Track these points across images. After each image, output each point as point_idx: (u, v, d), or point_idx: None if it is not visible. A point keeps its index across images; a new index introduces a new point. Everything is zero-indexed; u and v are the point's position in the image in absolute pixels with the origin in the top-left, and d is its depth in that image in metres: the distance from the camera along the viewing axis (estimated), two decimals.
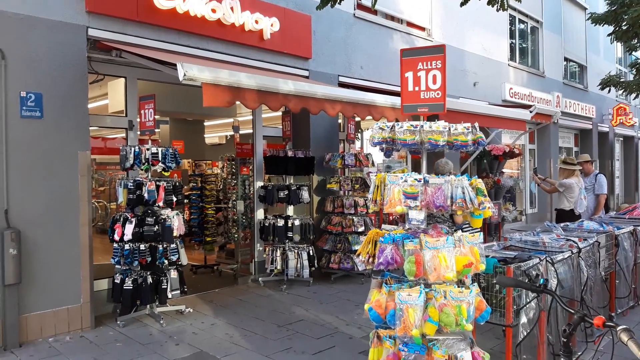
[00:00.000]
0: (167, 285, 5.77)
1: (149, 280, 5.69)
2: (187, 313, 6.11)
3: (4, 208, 4.99)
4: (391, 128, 3.41)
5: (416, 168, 11.18)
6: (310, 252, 7.48)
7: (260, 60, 7.40)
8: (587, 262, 4.76)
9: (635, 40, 12.33)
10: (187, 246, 8.68)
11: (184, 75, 4.53)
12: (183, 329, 5.57)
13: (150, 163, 5.65)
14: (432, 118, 3.77)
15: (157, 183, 5.67)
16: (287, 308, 6.37)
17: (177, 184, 5.92)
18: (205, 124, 13.65)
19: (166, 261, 5.79)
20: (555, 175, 14.44)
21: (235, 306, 6.47)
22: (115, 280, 5.72)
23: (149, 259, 5.67)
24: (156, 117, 6.01)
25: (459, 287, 3.35)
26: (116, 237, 5.63)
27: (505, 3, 6.35)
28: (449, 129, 3.30)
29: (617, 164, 20.90)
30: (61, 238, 5.41)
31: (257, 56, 7.38)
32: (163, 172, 5.83)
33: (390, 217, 9.25)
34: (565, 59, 17.16)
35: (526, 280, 3.79)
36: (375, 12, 9.34)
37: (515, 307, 3.77)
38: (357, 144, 10.07)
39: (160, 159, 5.66)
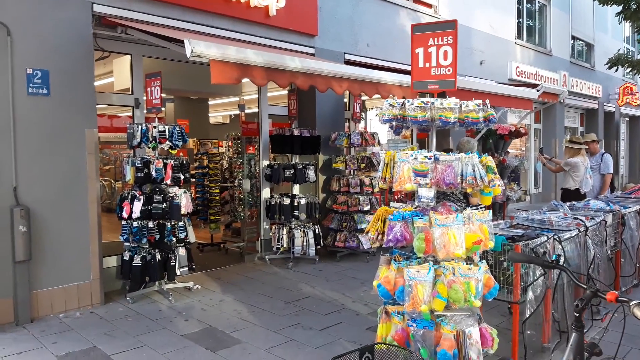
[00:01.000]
0: (175, 263, 5.83)
1: (158, 257, 5.74)
2: (195, 290, 6.18)
3: (13, 185, 5.02)
4: (402, 105, 3.39)
5: (421, 147, 11.16)
6: (316, 230, 7.51)
7: (266, 37, 7.33)
8: (594, 241, 4.77)
9: None
10: (193, 224, 8.76)
11: (192, 51, 4.49)
12: (192, 305, 5.64)
13: (158, 141, 5.65)
14: (440, 96, 3.75)
15: (165, 161, 5.68)
16: (293, 285, 6.43)
17: (185, 162, 5.93)
18: (210, 102, 13.60)
19: (174, 239, 5.84)
20: (560, 155, 14.39)
21: (243, 283, 6.54)
22: (124, 257, 5.77)
23: (158, 237, 5.71)
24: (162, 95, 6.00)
25: (467, 264, 3.38)
26: (124, 215, 5.67)
27: None
28: (460, 106, 3.28)
29: (622, 144, 20.80)
30: (70, 215, 5.44)
31: (263, 33, 7.31)
32: (170, 150, 5.83)
33: (396, 196, 9.27)
34: (573, 38, 16.95)
35: None
36: None
37: (522, 284, 3.80)
38: (361, 123, 10.01)
39: (167, 136, 5.66)
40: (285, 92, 8.32)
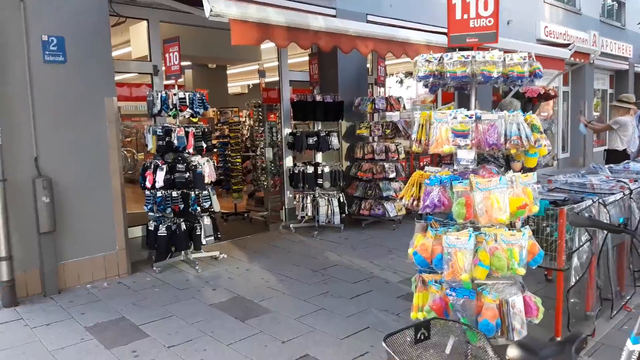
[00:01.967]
0: (200, 232, 5.75)
1: (183, 227, 5.66)
2: (222, 259, 6.12)
3: (34, 156, 4.93)
4: (439, 60, 3.14)
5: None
6: (341, 198, 7.36)
7: None
8: (639, 205, 4.52)
9: None
10: (216, 194, 8.67)
11: (210, 10, 4.28)
12: (219, 274, 5.58)
13: (178, 108, 5.49)
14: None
15: (186, 129, 5.54)
16: (320, 253, 6.32)
17: (206, 129, 5.77)
18: (228, 72, 13.37)
19: (199, 208, 5.74)
20: (590, 117, 13.90)
21: (269, 252, 6.45)
22: (149, 227, 5.71)
23: (182, 206, 5.62)
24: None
25: (509, 230, 3.19)
26: (147, 185, 5.58)
27: None
28: (504, 60, 3.02)
29: None
30: (93, 186, 5.37)
31: None
32: (191, 117, 5.68)
33: (421, 163, 9.04)
34: None
35: None
36: None
37: (567, 250, 3.60)
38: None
39: (187, 104, 5.49)
40: (306, 58, 8.05)
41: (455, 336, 2.44)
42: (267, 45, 9.14)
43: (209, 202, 5.76)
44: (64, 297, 4.93)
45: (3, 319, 4.39)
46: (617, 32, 16.81)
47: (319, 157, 7.65)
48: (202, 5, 4.41)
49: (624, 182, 4.50)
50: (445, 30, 3.51)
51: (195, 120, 5.71)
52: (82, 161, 5.30)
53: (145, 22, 6.27)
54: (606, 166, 5.63)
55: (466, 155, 3.09)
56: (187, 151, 5.58)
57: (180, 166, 5.51)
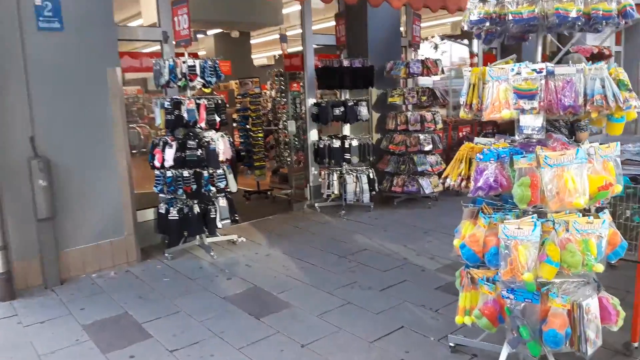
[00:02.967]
0: (216, 215, 5.22)
1: (196, 209, 5.14)
2: (240, 243, 5.60)
3: (29, 135, 4.45)
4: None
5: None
6: (370, 175, 6.71)
7: None
8: None
9: None
10: (239, 171, 8.18)
11: None
12: (235, 261, 5.07)
13: (188, 78, 4.90)
14: None
15: (197, 101, 4.96)
16: (347, 236, 5.73)
17: (220, 101, 5.18)
18: (252, 42, 12.73)
19: (213, 188, 5.20)
20: None
21: (291, 234, 5.90)
22: (160, 210, 5.21)
23: (195, 187, 5.08)
24: (192, 29, 5.19)
25: (584, 216, 2.50)
26: (156, 163, 5.06)
27: None
28: None
29: None
30: (96, 166, 4.88)
31: None
32: (203, 88, 5.10)
33: (460, 133, 8.25)
34: None
35: None
36: None
37: None
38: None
39: (198, 72, 4.89)
40: (332, 23, 7.31)
41: None
42: (291, 9, 8.45)
43: (224, 181, 5.21)
44: (66, 289, 4.49)
45: None
46: None
47: (346, 129, 6.98)
48: None
49: None
50: None
51: (208, 91, 5.13)
52: (84, 139, 4.80)
53: None
54: None
55: (532, 122, 2.40)
56: (198, 126, 5.01)
57: (191, 143, 4.95)
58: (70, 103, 4.69)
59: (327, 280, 4.43)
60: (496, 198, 2.88)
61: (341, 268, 4.72)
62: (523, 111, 2.40)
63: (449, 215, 6.34)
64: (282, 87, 7.66)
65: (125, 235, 5.06)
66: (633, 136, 9.37)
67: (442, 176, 2.91)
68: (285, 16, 8.95)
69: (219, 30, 10.95)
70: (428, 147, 6.79)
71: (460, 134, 8.22)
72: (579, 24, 2.32)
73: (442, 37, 11.78)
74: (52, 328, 3.71)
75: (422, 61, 6.79)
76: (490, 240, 2.66)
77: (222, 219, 5.27)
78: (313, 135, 7.19)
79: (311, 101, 7.05)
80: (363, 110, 6.66)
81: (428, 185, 6.78)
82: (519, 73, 2.38)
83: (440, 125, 6.97)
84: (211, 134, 5.12)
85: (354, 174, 6.64)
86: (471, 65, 9.94)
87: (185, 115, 4.90)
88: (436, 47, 12.16)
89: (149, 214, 5.63)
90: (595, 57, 10.37)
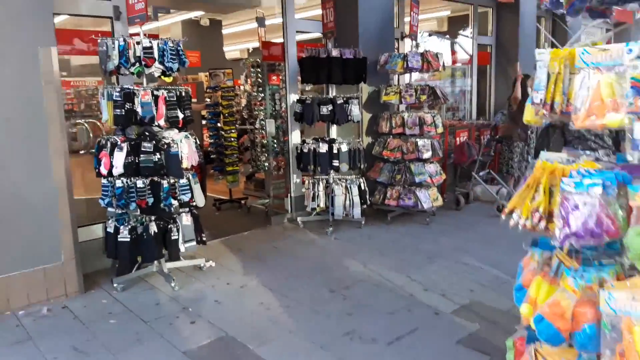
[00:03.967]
0: (178, 235, 4.22)
1: (153, 228, 4.13)
2: (208, 268, 4.60)
3: None
4: None
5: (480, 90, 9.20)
6: (362, 185, 5.80)
7: None
8: None
9: None
10: (209, 175, 7.18)
11: None
12: (202, 295, 4.07)
13: (144, 63, 3.88)
14: None
15: (155, 92, 3.94)
16: (337, 261, 4.80)
17: (184, 93, 4.15)
18: (224, 31, 11.64)
19: (175, 202, 4.18)
20: None
21: (270, 257, 4.93)
22: (108, 229, 4.17)
23: (151, 200, 4.06)
24: (152, 5, 4.17)
25: None
26: (103, 170, 4.02)
27: None
28: None
29: None
30: (25, 173, 3.82)
31: None
32: (163, 76, 4.07)
33: (458, 138, 7.40)
34: None
35: None
36: None
37: None
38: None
39: (156, 56, 3.87)
40: (317, 10, 6.36)
41: None
42: None
43: (189, 193, 4.20)
44: None
45: None
46: None
47: (333, 131, 6.05)
48: None
49: None
50: None
51: (169, 80, 4.11)
52: (8, 139, 3.74)
53: None
54: None
55: None
56: (156, 123, 4.00)
57: (146, 145, 3.93)
58: None
59: (318, 327, 3.48)
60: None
61: (335, 308, 3.78)
62: None
63: (452, 236, 5.50)
64: (259, 80, 6.66)
65: (64, 260, 4.00)
66: None
67: (506, 210, 2.00)
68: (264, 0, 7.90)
69: (186, 17, 9.84)
70: (427, 154, 5.91)
71: (458, 138, 7.39)
72: None
73: (429, 33, 10.97)
74: None
75: (422, 54, 5.90)
76: (584, 314, 1.77)
77: (185, 241, 4.26)
78: (295, 137, 6.24)
79: (294, 97, 6.09)
80: (355, 110, 5.74)
81: (427, 199, 5.90)
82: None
83: (440, 130, 6.11)
84: (172, 134, 4.10)
85: (344, 184, 5.71)
86: (454, 63, 9.11)
87: (139, 109, 3.87)
88: (417, 45, 11.32)
89: (97, 230, 4.58)
90: None
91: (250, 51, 14.41)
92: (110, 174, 3.99)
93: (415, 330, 3.42)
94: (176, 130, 4.19)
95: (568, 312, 1.80)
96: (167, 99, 3.95)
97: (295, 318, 3.62)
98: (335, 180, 5.75)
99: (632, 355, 1.59)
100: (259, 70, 6.58)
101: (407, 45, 7.20)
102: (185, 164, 4.11)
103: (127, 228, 4.05)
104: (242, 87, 7.41)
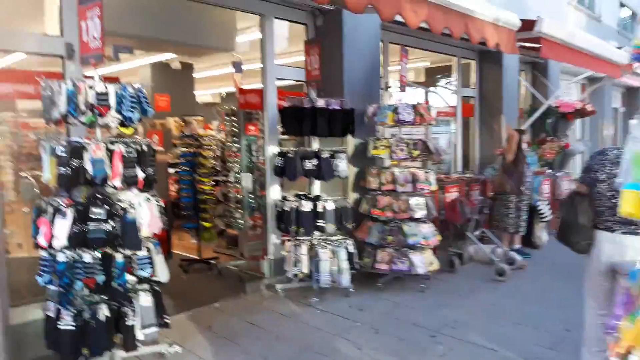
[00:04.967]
0: (135, 320, 3.44)
1: (104, 313, 3.34)
2: (173, 355, 3.80)
3: None
4: None
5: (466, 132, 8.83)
6: (349, 248, 5.14)
7: None
8: None
9: None
10: (176, 232, 6.41)
11: None
12: None
13: (97, 112, 3.21)
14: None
15: (110, 146, 3.25)
16: (326, 342, 4.07)
17: (146, 147, 3.47)
18: (196, 75, 11.08)
19: (132, 278, 3.43)
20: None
21: (246, 337, 4.16)
22: (47, 313, 3.37)
23: (102, 278, 3.30)
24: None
25: None
26: (42, 241, 3.25)
27: None
28: None
29: None
30: None
31: None
32: (120, 127, 3.39)
33: (447, 193, 6.86)
34: (621, 4, 14.60)
35: None
36: None
37: None
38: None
39: (112, 103, 3.21)
40: (298, 56, 5.87)
41: None
42: (247, 36, 6.91)
43: (149, 268, 3.46)
44: None
45: None
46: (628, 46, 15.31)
47: (316, 186, 5.43)
48: None
49: None
50: None
51: (127, 131, 3.44)
52: None
53: None
54: None
55: None
56: (111, 184, 3.29)
57: (97, 211, 3.21)
58: None
59: None
60: None
61: None
62: None
63: (452, 306, 4.85)
64: (235, 129, 6.05)
65: None
66: None
67: (622, 349, 1.37)
68: (240, 39, 7.34)
69: (156, 59, 9.23)
70: (420, 214, 5.33)
71: (447, 194, 6.85)
72: None
73: (412, 84, 10.70)
74: None
75: (414, 106, 5.42)
76: None
77: (144, 326, 3.48)
78: (274, 192, 5.58)
79: (273, 149, 5.48)
80: (341, 164, 5.15)
81: (422, 264, 5.27)
82: None
83: (434, 187, 5.57)
84: (130, 197, 3.39)
85: (330, 247, 5.04)
86: (440, 115, 8.74)
87: (89, 167, 3.17)
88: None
89: (37, 311, 3.74)
90: (578, 113, 9.59)
91: (223, 96, 13.89)
92: (50, 245, 3.23)
93: None
94: (135, 191, 3.48)
95: None
96: (125, 154, 3.26)
97: None
98: (320, 243, 5.08)
99: None
100: (234, 118, 5.97)
101: (392, 96, 6.77)
102: (146, 232, 3.39)
103: (71, 314, 3.25)
104: (215, 135, 6.78)
